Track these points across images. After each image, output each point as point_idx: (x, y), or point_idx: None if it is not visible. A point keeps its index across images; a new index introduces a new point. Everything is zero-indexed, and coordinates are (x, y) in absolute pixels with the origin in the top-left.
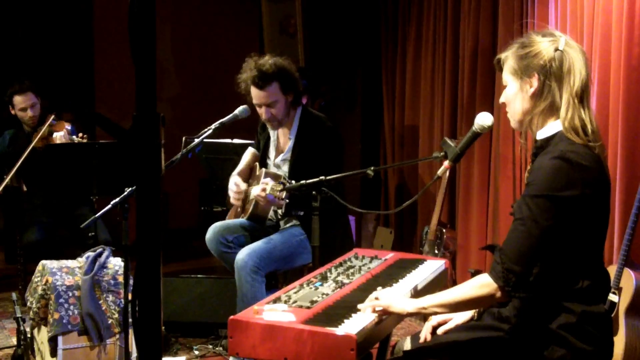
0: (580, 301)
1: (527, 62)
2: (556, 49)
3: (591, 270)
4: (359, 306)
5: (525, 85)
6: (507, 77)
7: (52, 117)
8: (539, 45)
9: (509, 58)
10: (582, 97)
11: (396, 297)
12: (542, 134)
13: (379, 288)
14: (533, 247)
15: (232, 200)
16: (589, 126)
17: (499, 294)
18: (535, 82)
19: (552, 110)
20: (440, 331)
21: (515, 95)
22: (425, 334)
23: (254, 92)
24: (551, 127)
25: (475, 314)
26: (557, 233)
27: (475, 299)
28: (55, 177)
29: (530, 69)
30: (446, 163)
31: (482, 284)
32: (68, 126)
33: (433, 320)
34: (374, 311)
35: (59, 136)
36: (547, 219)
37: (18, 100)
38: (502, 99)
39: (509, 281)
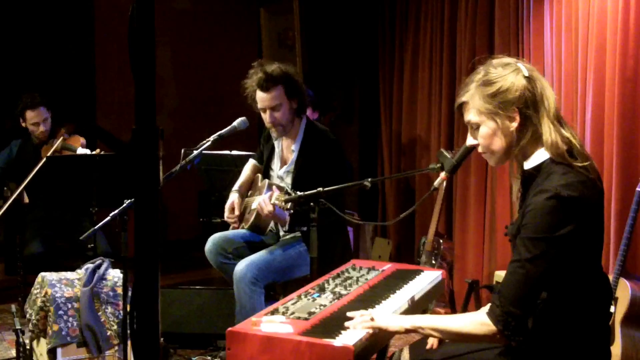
0: (582, 336)
1: (501, 98)
2: (524, 77)
3: (591, 291)
4: (351, 326)
5: (504, 122)
6: (477, 118)
7: (64, 131)
8: (507, 78)
9: (474, 99)
10: (559, 117)
11: (391, 316)
12: (529, 164)
13: (370, 310)
14: (532, 289)
15: (225, 218)
16: (574, 142)
17: (498, 336)
18: (516, 115)
19: (535, 138)
20: None
21: (493, 134)
22: (434, 340)
23: (259, 95)
24: (538, 156)
25: None
26: (556, 269)
27: (473, 335)
28: (56, 188)
29: (507, 104)
30: (443, 174)
31: (482, 322)
32: (83, 140)
33: None
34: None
35: (82, 151)
36: (545, 261)
37: (30, 115)
38: (472, 142)
39: (508, 325)
